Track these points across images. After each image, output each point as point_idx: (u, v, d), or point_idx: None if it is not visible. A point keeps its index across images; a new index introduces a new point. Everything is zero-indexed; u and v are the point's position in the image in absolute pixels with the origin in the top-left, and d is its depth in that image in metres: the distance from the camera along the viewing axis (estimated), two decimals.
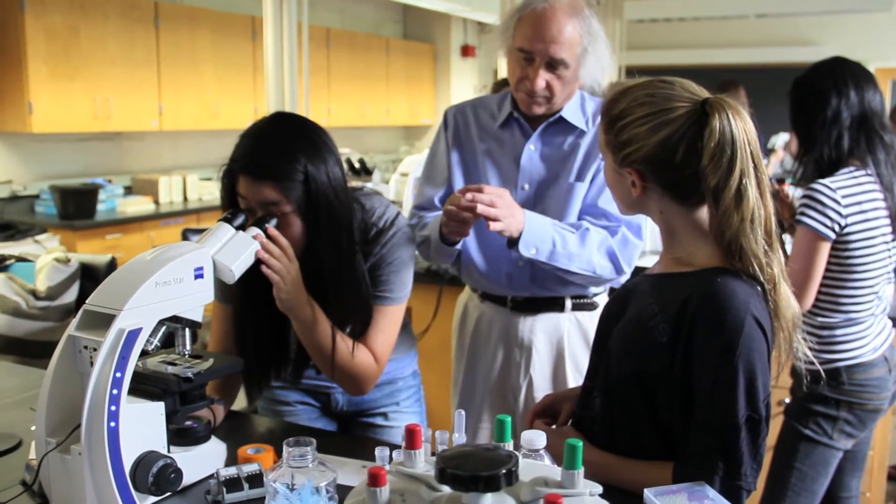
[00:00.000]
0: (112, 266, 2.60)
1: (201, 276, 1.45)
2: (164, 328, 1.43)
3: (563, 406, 1.63)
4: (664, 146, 1.33)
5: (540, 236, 1.87)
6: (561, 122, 2.05)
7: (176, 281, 1.39)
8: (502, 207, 1.78)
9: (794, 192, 2.63)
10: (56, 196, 5.21)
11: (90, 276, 2.57)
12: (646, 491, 1.25)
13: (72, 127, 5.39)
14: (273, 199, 1.60)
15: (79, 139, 5.80)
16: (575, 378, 2.11)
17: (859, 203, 2.17)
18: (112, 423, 1.26)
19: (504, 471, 0.68)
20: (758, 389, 1.29)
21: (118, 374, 1.28)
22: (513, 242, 1.87)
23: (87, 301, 1.36)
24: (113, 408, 1.27)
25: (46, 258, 2.52)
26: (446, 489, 0.71)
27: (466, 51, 9.81)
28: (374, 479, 0.70)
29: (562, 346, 2.11)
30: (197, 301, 1.45)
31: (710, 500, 1.25)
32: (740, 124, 1.30)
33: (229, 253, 1.50)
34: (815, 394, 2.25)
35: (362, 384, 1.77)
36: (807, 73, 2.30)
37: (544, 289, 2.07)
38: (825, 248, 2.17)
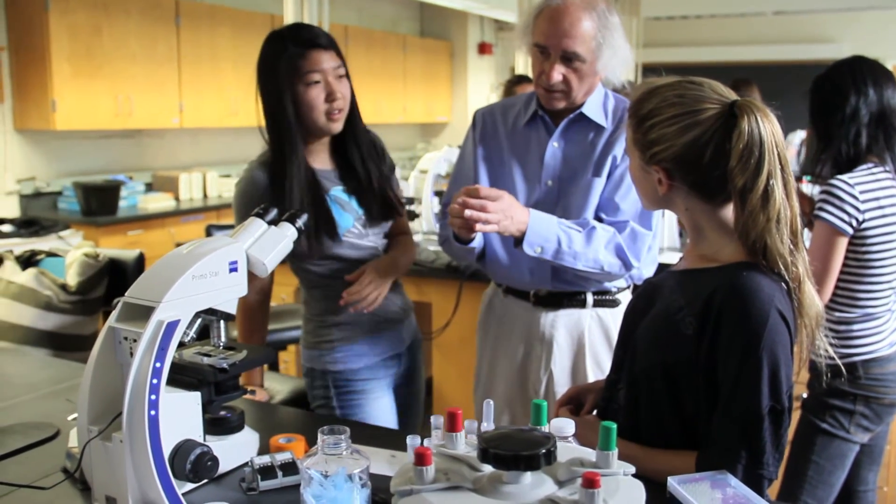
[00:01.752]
0: (140, 261, 2.65)
1: (235, 269, 1.48)
2: (199, 320, 1.47)
3: (587, 397, 1.66)
4: (693, 147, 1.35)
5: (544, 235, 1.90)
6: (582, 119, 2.08)
7: (211, 274, 1.43)
8: (495, 210, 1.80)
9: (811, 189, 2.65)
10: (79, 193, 5.28)
11: (118, 272, 2.62)
12: (669, 479, 1.27)
13: (94, 124, 5.47)
14: (339, 63, 2.01)
15: (100, 136, 5.88)
16: (594, 373, 2.14)
17: (877, 199, 2.19)
18: (152, 412, 1.30)
19: (543, 451, 0.71)
20: (781, 381, 1.32)
21: (158, 365, 1.32)
22: (517, 242, 1.90)
23: (126, 294, 1.40)
24: (153, 397, 1.30)
25: (76, 253, 2.57)
26: (487, 469, 0.74)
27: (483, 48, 9.84)
28: (421, 459, 0.73)
29: (582, 341, 2.14)
30: (231, 294, 1.48)
31: (732, 487, 1.27)
32: (768, 126, 1.33)
33: (262, 247, 1.54)
34: (832, 388, 2.28)
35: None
36: (827, 71, 2.33)
37: (565, 283, 2.09)
38: (843, 244, 2.19)
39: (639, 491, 0.73)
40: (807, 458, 2.34)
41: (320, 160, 2.13)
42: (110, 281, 2.61)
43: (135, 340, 1.34)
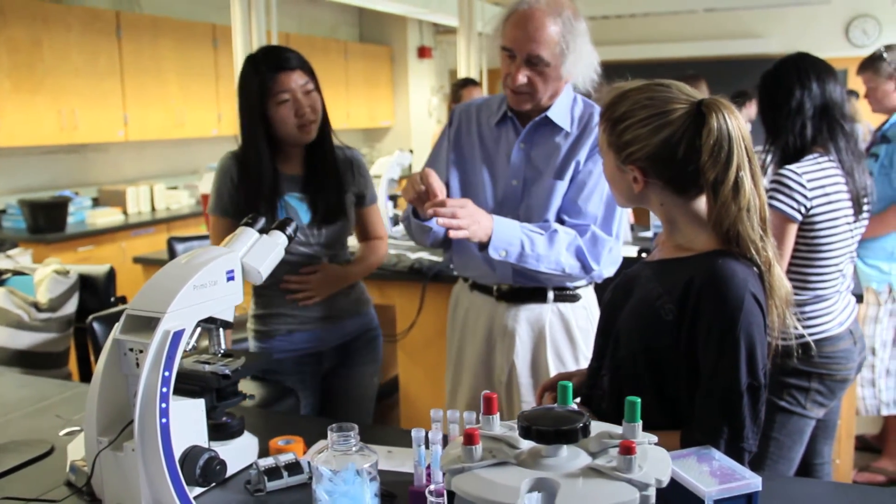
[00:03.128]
0: (111, 276, 2.66)
1: (232, 278, 1.53)
2: (199, 329, 1.51)
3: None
4: (666, 145, 1.44)
5: (508, 239, 1.99)
6: (548, 123, 2.16)
7: (211, 283, 1.47)
8: (464, 217, 1.90)
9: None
10: (25, 210, 5.18)
11: (89, 287, 2.62)
12: None
13: (38, 140, 5.37)
14: (306, 79, 2.21)
15: (44, 152, 5.78)
16: (555, 364, 2.23)
17: (823, 186, 2.32)
18: (163, 420, 1.34)
19: (580, 425, 0.78)
20: (757, 359, 1.42)
21: (166, 373, 1.35)
22: (483, 246, 1.99)
23: (129, 306, 1.43)
24: (163, 405, 1.34)
25: (45, 270, 2.57)
26: (525, 446, 0.81)
27: (423, 52, 9.92)
28: (469, 439, 0.79)
29: (543, 334, 2.23)
30: (229, 302, 1.53)
31: (717, 460, 1.37)
32: (735, 122, 1.42)
33: (256, 255, 1.58)
34: (787, 368, 2.39)
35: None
36: (773, 67, 2.46)
37: (526, 279, 2.18)
38: (793, 230, 2.32)
39: (665, 455, 0.81)
40: (767, 436, 2.45)
41: (291, 165, 2.31)
42: (81, 297, 2.61)
43: (141, 351, 1.37)
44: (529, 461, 0.79)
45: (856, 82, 3.73)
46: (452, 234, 1.89)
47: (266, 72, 2.19)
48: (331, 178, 2.32)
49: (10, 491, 1.48)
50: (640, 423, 0.83)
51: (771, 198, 2.31)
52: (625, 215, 2.25)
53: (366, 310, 2.48)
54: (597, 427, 0.86)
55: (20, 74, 5.13)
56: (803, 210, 2.30)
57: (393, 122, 9.88)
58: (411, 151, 4.88)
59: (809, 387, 2.40)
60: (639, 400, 0.83)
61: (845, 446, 3.17)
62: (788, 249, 2.32)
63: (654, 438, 0.83)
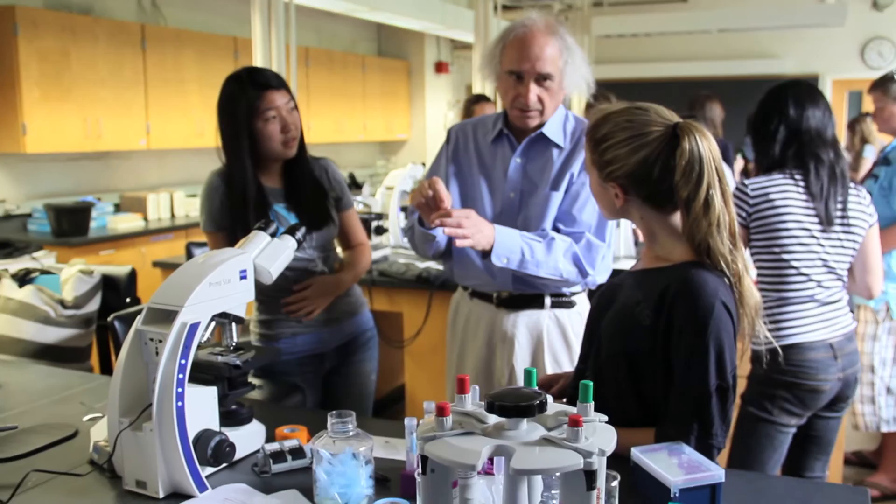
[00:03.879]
0: (132, 277, 2.81)
1: (245, 277, 1.66)
2: (213, 323, 1.65)
3: (559, 382, 1.86)
4: (643, 164, 1.57)
5: (509, 247, 2.12)
6: (543, 139, 2.30)
7: (225, 281, 1.61)
8: (469, 226, 2.03)
9: None
10: (51, 214, 5.36)
11: (111, 287, 2.77)
12: (633, 450, 1.49)
13: (64, 147, 5.56)
14: (288, 98, 2.32)
15: (69, 159, 5.97)
16: (552, 367, 2.35)
17: (767, 194, 2.47)
18: (179, 403, 1.47)
19: (537, 402, 0.91)
20: (726, 362, 1.54)
21: (183, 361, 1.49)
22: (486, 254, 2.12)
23: (150, 300, 1.57)
24: (179, 390, 1.48)
25: (71, 270, 2.72)
26: (491, 420, 0.94)
27: (440, 67, 10.08)
28: (441, 411, 0.92)
29: (541, 339, 2.35)
30: (241, 299, 1.66)
31: (686, 455, 1.49)
32: (706, 144, 1.55)
33: (268, 257, 1.72)
34: (756, 373, 2.51)
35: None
36: (764, 94, 2.61)
37: (525, 286, 2.30)
38: (743, 235, 2.48)
39: (612, 433, 0.93)
40: (740, 439, 2.56)
41: (272, 179, 2.44)
42: (104, 295, 2.76)
43: (160, 341, 1.51)
44: (493, 432, 0.92)
45: (871, 104, 3.85)
46: (459, 242, 2.02)
47: (252, 91, 2.29)
48: (310, 186, 2.45)
49: (41, 466, 1.62)
50: (591, 404, 0.95)
51: None
52: (623, 226, 2.38)
53: (362, 311, 2.62)
54: (555, 407, 0.98)
55: (48, 83, 5.32)
56: (745, 214, 2.49)
57: (409, 136, 10.04)
58: (423, 164, 5.02)
59: (775, 394, 2.47)
60: (591, 383, 0.95)
61: (835, 460, 3.23)
62: (744, 252, 2.46)
63: (605, 417, 0.95)
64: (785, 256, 2.47)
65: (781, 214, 2.46)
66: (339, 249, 2.66)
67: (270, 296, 2.42)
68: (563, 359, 2.35)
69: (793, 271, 2.47)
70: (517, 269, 2.15)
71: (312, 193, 2.45)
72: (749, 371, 2.56)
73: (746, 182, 2.53)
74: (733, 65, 9.90)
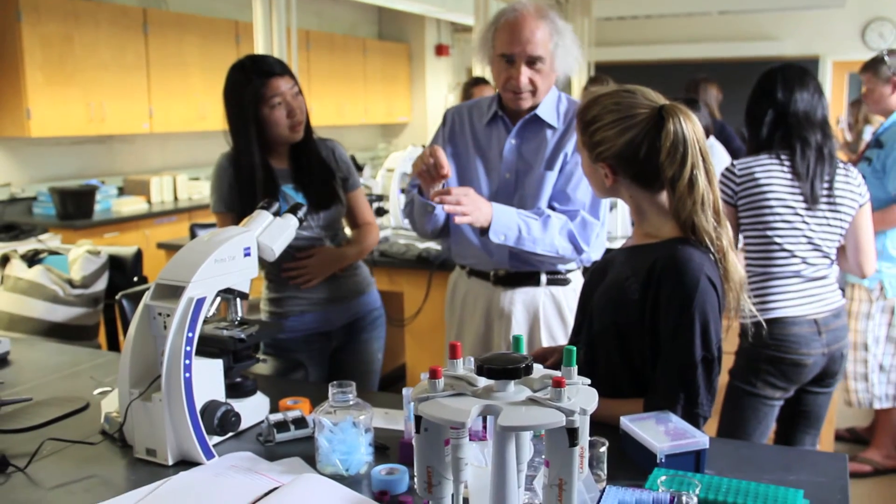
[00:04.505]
0: (138, 257, 2.87)
1: (249, 254, 1.73)
2: (218, 299, 1.71)
3: (552, 356, 1.93)
4: (630, 145, 1.63)
5: (507, 224, 2.18)
6: (536, 120, 2.36)
7: (230, 258, 1.67)
8: (467, 203, 2.09)
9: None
10: (55, 197, 5.43)
11: (118, 267, 2.84)
12: (622, 418, 1.56)
13: (68, 131, 5.62)
14: (292, 83, 2.39)
15: (73, 142, 6.03)
16: (549, 343, 2.41)
17: (752, 174, 2.53)
18: (187, 374, 1.54)
19: (523, 365, 0.97)
20: (711, 334, 1.60)
21: (190, 335, 1.56)
22: (484, 232, 2.18)
23: (158, 277, 1.64)
24: (187, 361, 1.54)
25: (78, 251, 2.78)
26: (481, 383, 1.00)
27: (440, 50, 10.10)
28: (434, 374, 0.98)
29: (537, 315, 2.41)
30: (245, 275, 1.73)
31: (672, 423, 1.56)
32: (690, 126, 1.61)
33: (270, 235, 1.79)
34: (742, 348, 2.58)
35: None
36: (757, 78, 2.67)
37: (522, 263, 2.36)
38: (731, 213, 2.55)
39: (593, 394, 0.99)
40: (724, 411, 2.63)
41: (280, 161, 2.51)
42: (111, 275, 2.82)
43: (168, 315, 1.57)
44: (483, 394, 0.98)
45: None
46: (457, 219, 2.09)
47: (257, 78, 2.35)
48: (317, 167, 2.52)
49: (55, 436, 1.69)
50: (575, 368, 1.01)
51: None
52: (620, 207, 2.44)
53: (370, 290, 2.68)
54: (541, 371, 1.05)
55: (52, 68, 5.38)
56: (731, 192, 2.56)
57: (410, 119, 10.09)
58: (424, 146, 5.07)
59: (759, 367, 2.54)
60: (574, 349, 1.02)
61: (826, 435, 3.30)
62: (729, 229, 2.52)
63: (588, 381, 1.02)
64: (769, 233, 2.53)
65: (765, 193, 2.53)
66: (347, 229, 2.72)
67: (280, 275, 2.50)
68: (558, 334, 2.42)
69: (776, 247, 2.53)
70: (514, 246, 2.21)
71: (319, 174, 2.51)
72: (737, 346, 2.63)
73: (735, 163, 2.60)
74: (734, 47, 9.91)
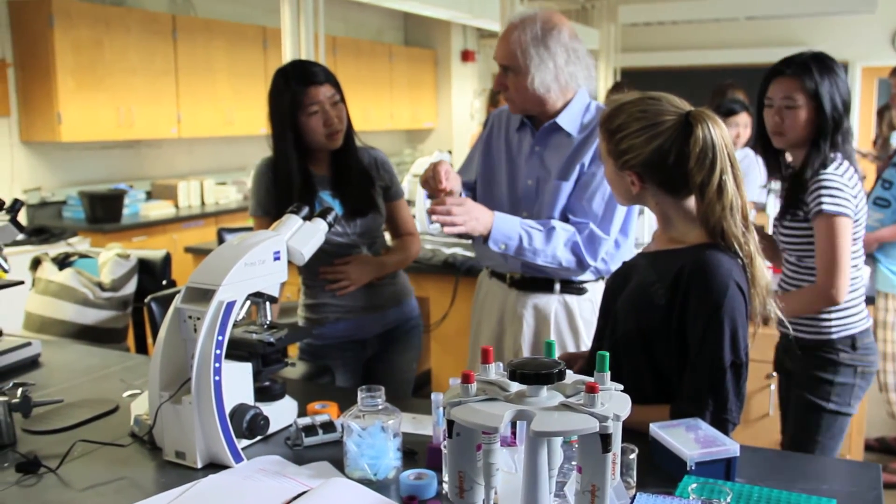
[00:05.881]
0: (167, 261, 2.90)
1: (278, 258, 1.74)
2: (248, 302, 1.72)
3: (577, 362, 1.92)
4: (658, 153, 1.63)
5: (507, 234, 2.18)
6: (557, 128, 2.34)
7: (259, 262, 1.69)
8: (461, 214, 2.09)
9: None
10: (85, 201, 5.50)
11: (147, 270, 2.86)
12: (651, 425, 1.55)
13: (97, 135, 5.69)
14: (333, 92, 2.40)
15: (102, 147, 6.10)
16: (559, 352, 2.39)
17: (855, 182, 2.28)
18: (216, 378, 1.55)
19: (556, 370, 0.97)
20: (739, 340, 1.59)
21: (220, 338, 1.57)
22: (484, 239, 2.19)
23: (188, 280, 1.65)
24: (217, 365, 1.55)
25: (108, 254, 2.81)
26: (513, 388, 1.00)
27: (466, 56, 10.11)
28: (467, 378, 0.98)
29: (548, 322, 2.40)
30: (275, 279, 1.74)
31: (702, 430, 1.55)
32: (718, 132, 1.60)
33: (300, 239, 1.80)
34: (832, 366, 2.30)
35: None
36: None
37: (534, 269, 2.36)
38: (849, 226, 2.26)
39: (626, 400, 0.99)
40: (812, 440, 2.35)
41: (320, 167, 2.51)
42: (140, 279, 2.85)
43: (198, 318, 1.58)
44: (515, 399, 0.98)
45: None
46: (447, 230, 2.11)
47: (296, 86, 2.36)
48: (356, 175, 2.51)
49: (85, 437, 1.70)
50: (608, 374, 1.01)
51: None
52: (631, 216, 2.40)
53: (407, 300, 2.66)
54: (573, 376, 1.05)
55: (83, 73, 5.45)
56: (852, 208, 2.26)
57: (436, 124, 10.10)
58: (450, 152, 5.08)
59: (854, 383, 2.31)
60: (608, 354, 1.01)
61: (856, 442, 3.27)
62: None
63: (620, 387, 1.01)
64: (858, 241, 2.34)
65: (863, 199, 2.33)
66: (388, 239, 2.71)
67: (317, 281, 2.50)
68: (569, 343, 2.40)
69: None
70: (515, 255, 2.22)
71: (358, 182, 2.50)
72: (814, 365, 2.37)
73: (832, 172, 2.25)
74: (761, 52, 9.80)
